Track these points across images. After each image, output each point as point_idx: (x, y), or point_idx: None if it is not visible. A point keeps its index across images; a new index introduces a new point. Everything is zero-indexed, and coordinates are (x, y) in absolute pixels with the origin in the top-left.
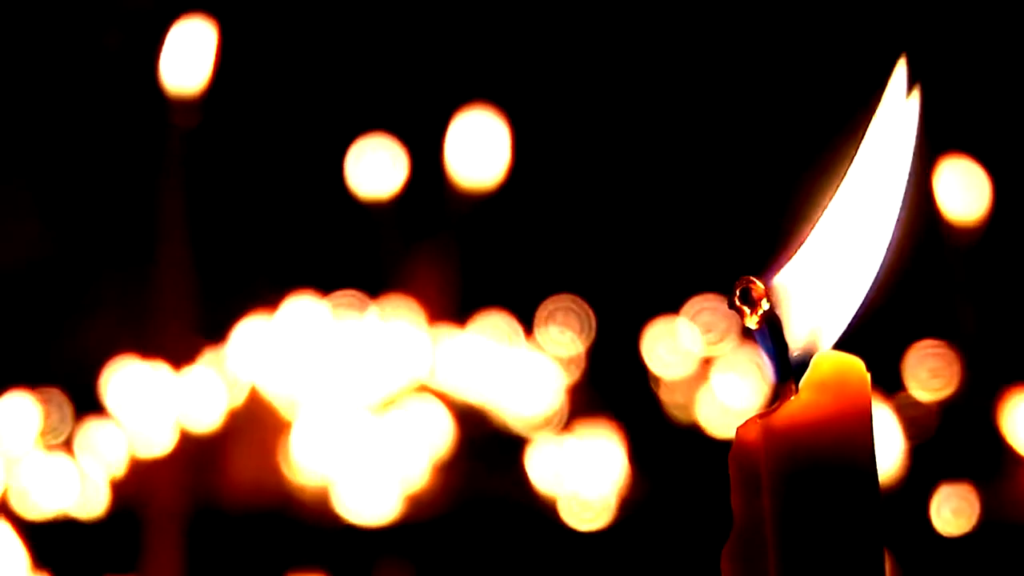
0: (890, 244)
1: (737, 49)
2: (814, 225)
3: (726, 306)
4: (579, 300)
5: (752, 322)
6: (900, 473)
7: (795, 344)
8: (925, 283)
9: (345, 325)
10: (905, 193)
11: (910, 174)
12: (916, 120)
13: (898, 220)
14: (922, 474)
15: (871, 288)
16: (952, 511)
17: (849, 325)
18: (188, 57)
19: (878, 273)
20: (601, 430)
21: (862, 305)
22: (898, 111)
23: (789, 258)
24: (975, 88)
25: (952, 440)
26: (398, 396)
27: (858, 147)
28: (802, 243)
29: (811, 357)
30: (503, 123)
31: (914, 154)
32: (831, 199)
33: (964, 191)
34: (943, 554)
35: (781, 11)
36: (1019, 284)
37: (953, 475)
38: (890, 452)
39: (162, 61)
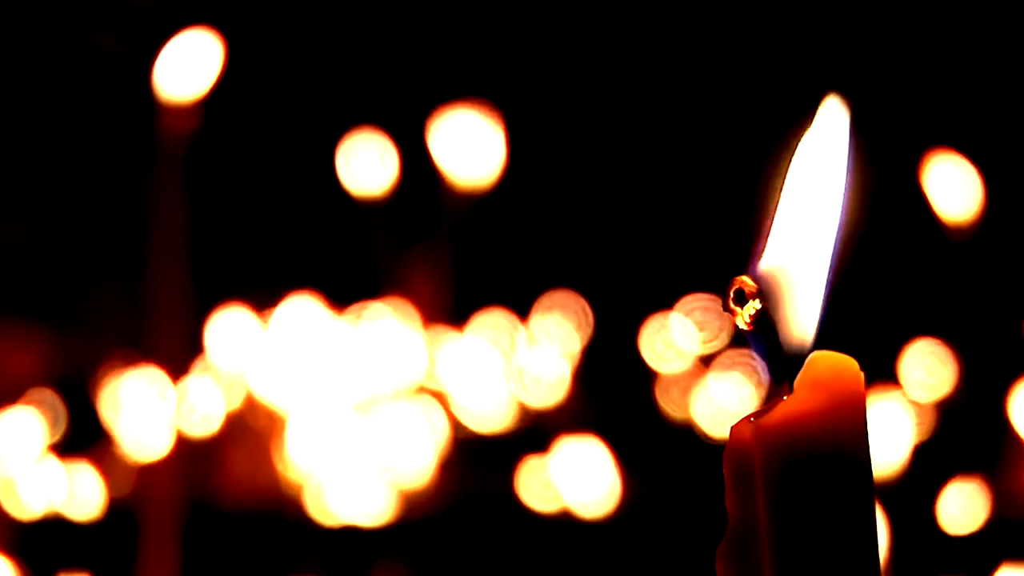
0: (836, 238)
1: (731, 43)
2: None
3: (720, 306)
4: (576, 296)
5: (744, 322)
6: (902, 472)
7: (788, 343)
8: (920, 281)
9: (340, 326)
10: (843, 193)
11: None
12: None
13: (841, 213)
14: (924, 474)
15: (827, 282)
16: (959, 509)
17: (820, 321)
18: (181, 61)
19: (831, 266)
20: (596, 429)
21: (825, 300)
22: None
23: (762, 254)
24: (965, 84)
25: (952, 439)
26: (393, 396)
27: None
28: (765, 240)
29: (804, 356)
30: (497, 120)
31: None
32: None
33: (956, 188)
34: (950, 553)
35: (777, 8)
36: (1014, 279)
37: (957, 473)
38: (890, 452)
39: (156, 65)
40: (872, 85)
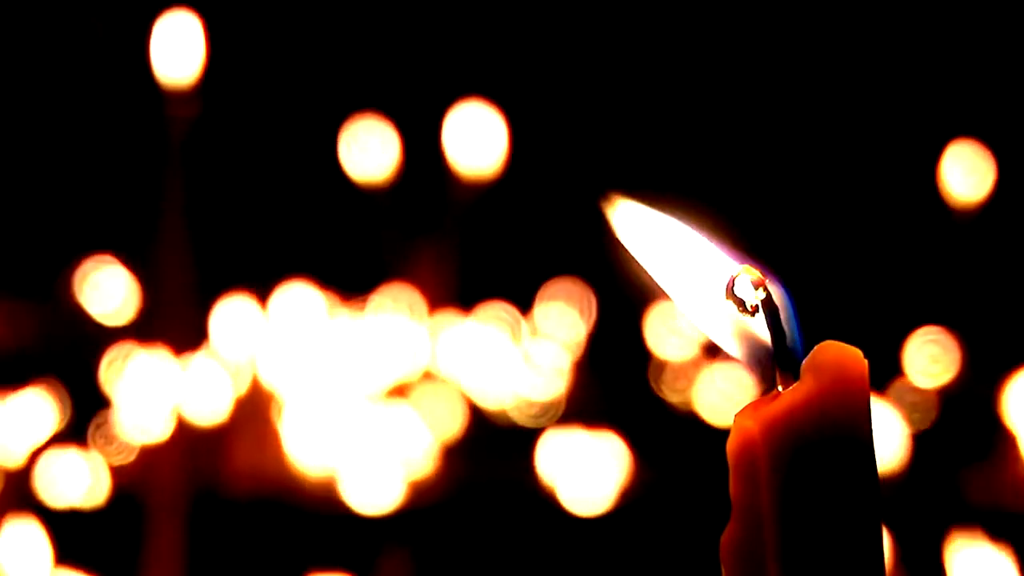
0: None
1: (734, 36)
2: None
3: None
4: (581, 283)
5: (747, 311)
6: (904, 463)
7: (791, 332)
8: (925, 268)
9: (345, 313)
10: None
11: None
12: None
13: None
14: (926, 463)
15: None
16: (958, 497)
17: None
18: (183, 46)
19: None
20: (601, 418)
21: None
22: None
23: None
24: (979, 70)
25: (955, 428)
26: (400, 384)
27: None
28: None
29: (799, 344)
30: (503, 108)
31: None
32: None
33: (967, 174)
34: (948, 543)
35: (777, 7)
36: (1019, 268)
37: (957, 463)
38: (893, 442)
39: (155, 50)
40: (873, 76)
